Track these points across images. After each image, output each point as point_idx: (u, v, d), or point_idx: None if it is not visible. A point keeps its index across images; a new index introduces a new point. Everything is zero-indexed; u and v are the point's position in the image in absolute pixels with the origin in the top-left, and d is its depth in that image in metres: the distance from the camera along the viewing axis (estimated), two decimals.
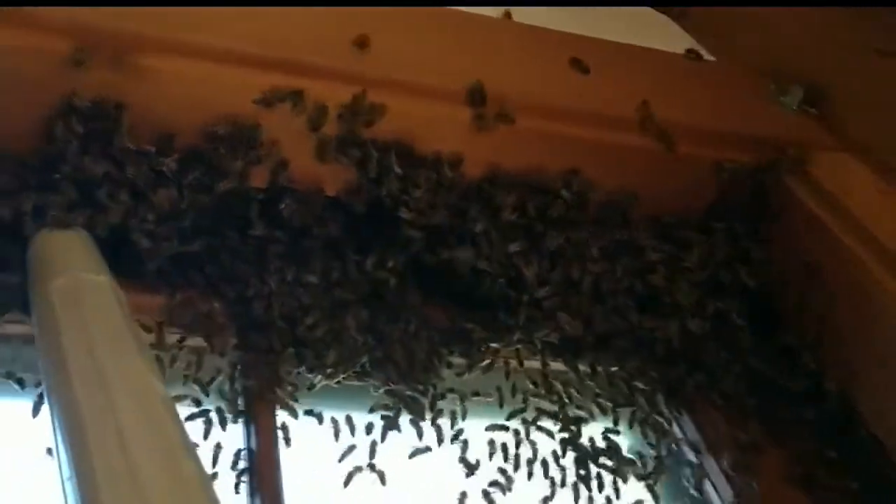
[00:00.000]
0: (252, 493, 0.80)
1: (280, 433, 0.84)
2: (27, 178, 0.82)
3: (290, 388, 0.86)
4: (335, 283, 0.91)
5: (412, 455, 0.89)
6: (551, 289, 0.96)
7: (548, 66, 1.05)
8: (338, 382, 0.89)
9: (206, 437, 0.83)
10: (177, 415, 0.60)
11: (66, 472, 0.53)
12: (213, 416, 0.83)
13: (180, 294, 0.87)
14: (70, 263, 0.73)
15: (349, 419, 0.88)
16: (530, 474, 0.93)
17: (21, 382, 0.78)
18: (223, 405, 0.84)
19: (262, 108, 0.87)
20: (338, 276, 0.92)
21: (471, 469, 0.90)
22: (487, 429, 0.94)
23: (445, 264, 0.96)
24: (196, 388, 0.84)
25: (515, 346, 0.98)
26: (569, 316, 0.96)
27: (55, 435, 0.57)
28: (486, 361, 0.97)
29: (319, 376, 0.88)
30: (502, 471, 0.91)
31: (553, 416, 0.98)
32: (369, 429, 0.89)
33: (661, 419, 1.02)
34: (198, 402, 0.84)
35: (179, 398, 0.83)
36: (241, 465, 0.81)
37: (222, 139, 0.85)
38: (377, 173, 0.91)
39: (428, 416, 0.92)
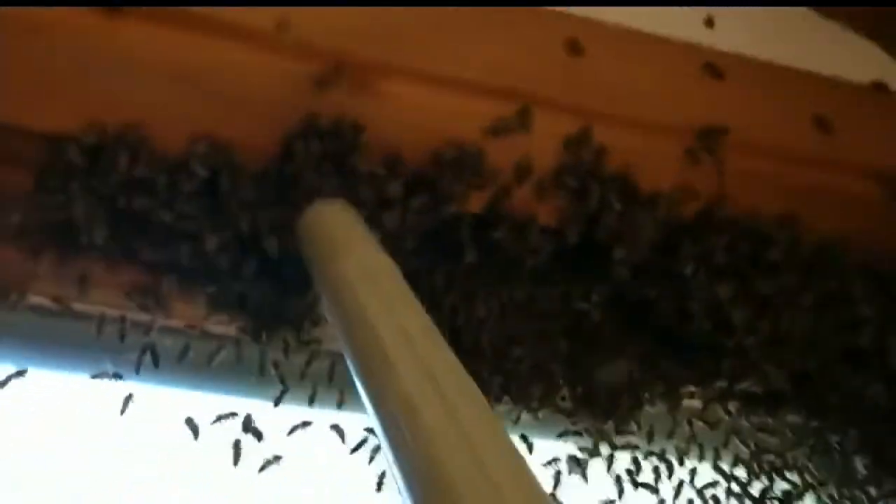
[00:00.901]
0: None
1: None
2: (264, 193, 0.84)
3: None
4: (541, 314, 0.91)
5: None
6: (759, 337, 0.93)
7: (768, 102, 1.01)
8: (537, 418, 0.89)
9: None
10: None
11: (402, 459, 0.50)
12: None
13: None
14: (356, 241, 0.72)
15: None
16: None
17: None
18: None
19: (487, 137, 0.87)
20: (543, 306, 0.91)
21: None
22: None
23: (649, 302, 0.94)
24: None
25: (715, 394, 0.95)
26: (775, 367, 0.93)
27: (377, 414, 0.54)
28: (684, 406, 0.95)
29: (523, 410, 0.88)
30: None
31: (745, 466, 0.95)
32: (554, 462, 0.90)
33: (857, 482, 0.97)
34: None
35: None
36: None
37: (448, 164, 0.86)
38: (597, 208, 0.90)
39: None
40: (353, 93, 0.84)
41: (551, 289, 0.93)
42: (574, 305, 0.93)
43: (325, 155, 0.84)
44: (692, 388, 0.95)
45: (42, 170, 0.83)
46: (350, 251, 0.70)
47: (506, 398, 0.88)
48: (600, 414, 0.89)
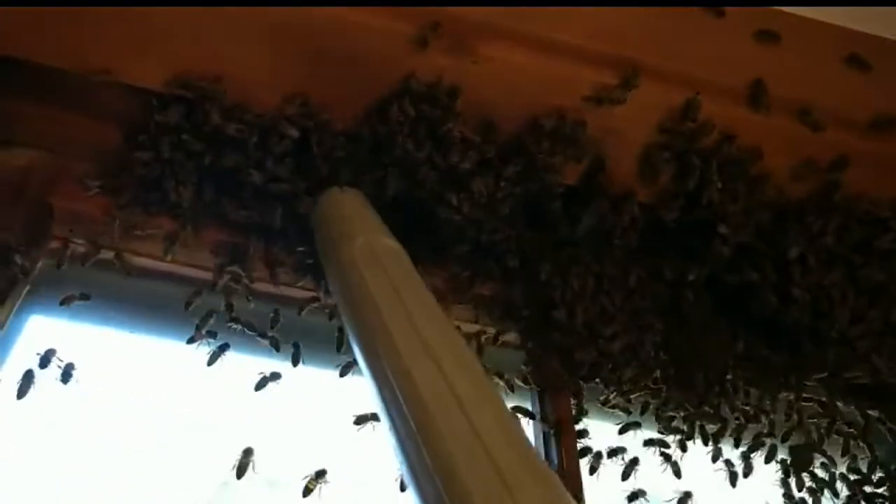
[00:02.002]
0: None
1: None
2: (357, 154, 0.82)
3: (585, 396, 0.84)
4: (634, 292, 0.87)
5: None
6: (865, 327, 0.87)
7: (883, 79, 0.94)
8: (629, 399, 0.85)
9: None
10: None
11: (398, 422, 0.53)
12: None
13: (479, 283, 0.86)
14: (365, 226, 0.74)
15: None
16: None
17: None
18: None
19: (588, 105, 0.83)
20: (636, 284, 0.87)
21: None
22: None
23: (748, 286, 0.89)
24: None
25: (814, 384, 0.90)
26: (885, 359, 0.87)
27: (375, 383, 0.58)
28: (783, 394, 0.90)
29: (614, 392, 0.84)
30: None
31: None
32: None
33: None
34: None
35: None
36: None
37: (547, 133, 0.82)
38: (698, 183, 0.85)
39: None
40: (452, 55, 0.81)
41: (647, 267, 0.89)
42: (670, 285, 0.88)
43: (420, 118, 0.80)
44: (791, 378, 0.90)
45: (132, 124, 0.82)
46: (358, 234, 0.71)
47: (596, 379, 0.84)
48: (694, 398, 0.85)
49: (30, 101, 0.82)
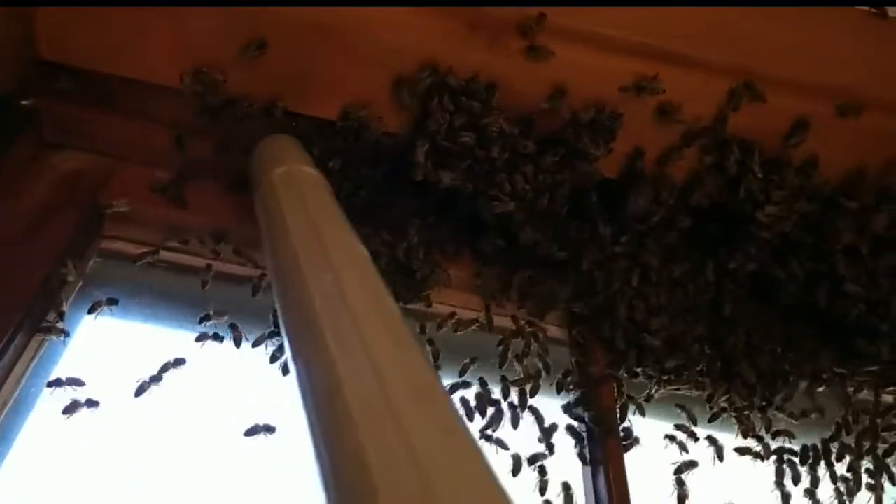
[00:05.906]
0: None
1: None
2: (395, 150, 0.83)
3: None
4: (677, 284, 0.86)
5: None
6: None
7: None
8: (676, 389, 0.84)
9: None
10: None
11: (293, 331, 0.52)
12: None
13: (520, 274, 0.86)
14: (288, 157, 0.77)
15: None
16: None
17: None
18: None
19: (625, 96, 0.83)
20: (679, 276, 0.87)
21: None
22: None
23: (795, 279, 0.87)
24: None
25: (866, 378, 0.88)
26: None
27: (277, 297, 0.58)
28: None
29: (656, 386, 0.83)
30: None
31: None
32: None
33: None
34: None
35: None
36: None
37: (585, 125, 0.82)
38: (736, 172, 0.84)
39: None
40: (491, 50, 0.81)
41: (691, 259, 0.88)
42: (714, 277, 0.87)
43: (459, 112, 0.81)
44: (841, 370, 0.88)
45: (180, 127, 0.84)
46: (281, 163, 0.74)
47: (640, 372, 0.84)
48: (743, 391, 0.83)
49: (83, 106, 0.85)
